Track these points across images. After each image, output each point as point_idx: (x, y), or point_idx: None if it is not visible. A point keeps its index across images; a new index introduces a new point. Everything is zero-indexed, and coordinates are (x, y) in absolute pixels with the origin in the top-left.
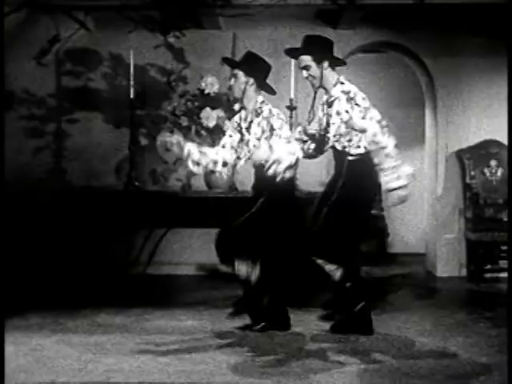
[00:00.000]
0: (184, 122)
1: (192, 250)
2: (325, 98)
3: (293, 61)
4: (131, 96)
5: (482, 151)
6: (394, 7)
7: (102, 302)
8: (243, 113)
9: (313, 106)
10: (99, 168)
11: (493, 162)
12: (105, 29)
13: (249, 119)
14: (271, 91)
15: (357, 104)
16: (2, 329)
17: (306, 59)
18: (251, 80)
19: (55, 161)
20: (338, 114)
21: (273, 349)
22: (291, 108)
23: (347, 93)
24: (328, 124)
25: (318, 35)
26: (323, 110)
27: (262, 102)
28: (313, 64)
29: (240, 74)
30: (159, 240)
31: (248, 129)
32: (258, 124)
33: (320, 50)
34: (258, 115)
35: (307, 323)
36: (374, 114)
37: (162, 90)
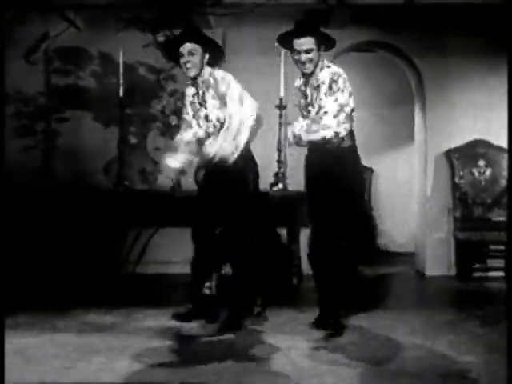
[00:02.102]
0: (173, 120)
1: (182, 249)
2: (312, 82)
3: (282, 58)
4: (120, 95)
5: (471, 151)
6: (384, 7)
7: (91, 301)
8: (197, 88)
9: (311, 95)
10: (88, 167)
11: (481, 162)
12: (94, 27)
13: (200, 93)
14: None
15: (339, 88)
16: (2, 329)
17: (310, 42)
18: (207, 55)
19: (44, 160)
20: (325, 96)
21: (263, 347)
22: (281, 107)
23: (333, 76)
24: (320, 108)
25: (310, 20)
26: (313, 95)
27: (210, 74)
28: (315, 47)
29: (199, 50)
30: (149, 239)
31: (202, 104)
32: (212, 96)
33: (320, 33)
34: (208, 87)
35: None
36: (345, 98)
37: (152, 88)
